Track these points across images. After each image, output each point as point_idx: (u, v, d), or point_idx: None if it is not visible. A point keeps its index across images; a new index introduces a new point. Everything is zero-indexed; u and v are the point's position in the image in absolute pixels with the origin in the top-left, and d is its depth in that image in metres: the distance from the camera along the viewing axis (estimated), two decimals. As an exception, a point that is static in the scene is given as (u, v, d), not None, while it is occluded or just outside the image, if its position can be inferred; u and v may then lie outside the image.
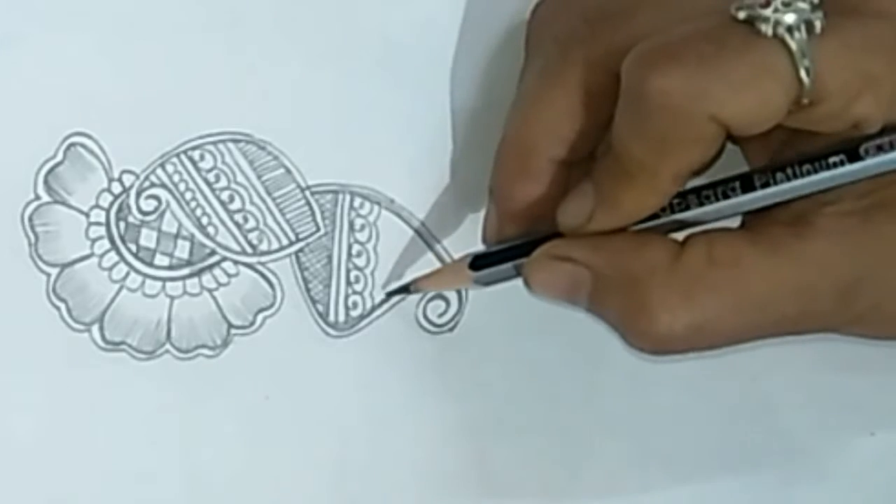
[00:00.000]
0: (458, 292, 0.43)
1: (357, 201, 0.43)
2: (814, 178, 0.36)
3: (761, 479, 0.44)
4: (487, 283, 0.40)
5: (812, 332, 0.38)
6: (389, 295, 0.43)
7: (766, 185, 0.37)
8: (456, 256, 0.42)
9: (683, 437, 0.44)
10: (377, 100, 0.43)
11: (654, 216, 0.37)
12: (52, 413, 0.42)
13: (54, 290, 0.42)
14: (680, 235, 0.37)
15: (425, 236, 0.43)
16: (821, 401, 0.44)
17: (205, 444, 0.42)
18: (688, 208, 0.37)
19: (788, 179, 0.36)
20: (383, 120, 0.43)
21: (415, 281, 0.42)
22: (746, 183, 0.37)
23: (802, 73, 0.34)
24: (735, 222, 0.38)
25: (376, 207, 0.43)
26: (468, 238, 0.43)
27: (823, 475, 0.44)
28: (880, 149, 0.36)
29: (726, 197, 0.37)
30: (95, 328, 0.42)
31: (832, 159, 0.36)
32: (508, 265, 0.39)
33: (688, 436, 0.44)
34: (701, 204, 0.37)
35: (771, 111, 0.34)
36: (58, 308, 0.42)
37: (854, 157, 0.36)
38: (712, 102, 0.34)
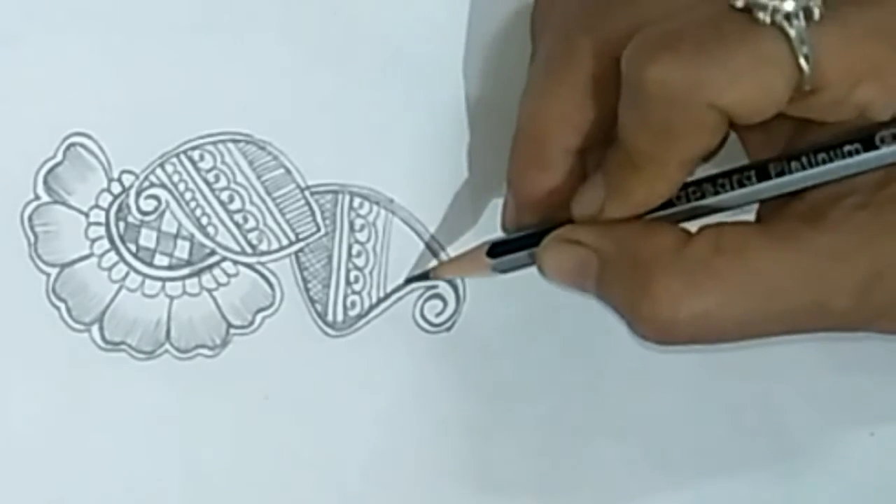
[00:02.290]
0: (456, 292, 0.43)
1: (357, 201, 0.43)
2: (829, 166, 0.36)
3: (761, 478, 0.44)
4: (504, 271, 0.40)
5: (830, 329, 0.37)
6: (409, 282, 0.43)
7: (780, 173, 0.36)
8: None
9: (683, 436, 0.44)
10: (376, 100, 0.43)
11: (669, 204, 0.37)
12: (51, 413, 0.42)
13: (54, 290, 0.42)
14: (693, 227, 0.37)
15: (424, 236, 0.43)
16: (821, 401, 0.44)
17: (204, 444, 0.42)
18: (703, 196, 0.37)
19: (803, 168, 0.36)
20: (382, 120, 0.43)
21: (434, 268, 0.42)
22: (762, 171, 0.37)
23: (802, 61, 0.34)
24: (751, 216, 0.38)
25: (376, 207, 0.43)
26: (468, 237, 0.43)
27: (823, 475, 0.44)
28: None
29: (741, 185, 0.37)
30: (95, 328, 0.42)
31: (847, 148, 0.36)
32: (524, 252, 0.39)
33: (688, 435, 0.44)
34: (716, 192, 0.37)
35: (772, 99, 0.34)
36: (57, 308, 0.42)
37: (870, 145, 0.36)
38: (711, 91, 0.34)
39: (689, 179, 0.37)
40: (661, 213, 0.37)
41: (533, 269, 0.42)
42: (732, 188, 0.37)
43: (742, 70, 0.34)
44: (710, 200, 0.37)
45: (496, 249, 0.40)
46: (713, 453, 0.44)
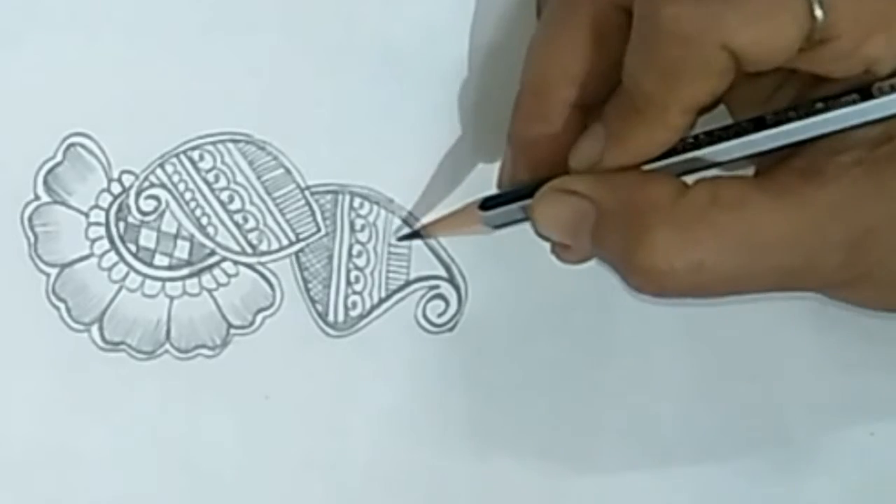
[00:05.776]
0: (458, 292, 0.43)
1: (357, 201, 0.43)
2: (826, 115, 0.36)
3: (761, 477, 0.44)
4: (497, 226, 0.40)
5: (815, 288, 0.37)
6: (400, 240, 0.43)
7: (778, 123, 0.36)
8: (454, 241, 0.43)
9: (684, 436, 0.44)
10: (376, 100, 0.43)
11: (668, 155, 0.37)
12: (52, 413, 0.42)
13: (54, 290, 0.42)
14: (690, 180, 0.37)
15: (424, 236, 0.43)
16: (821, 400, 0.44)
17: (204, 444, 0.42)
18: (699, 147, 0.37)
19: (800, 118, 0.36)
20: (383, 120, 0.43)
21: (427, 225, 0.42)
22: (759, 123, 0.36)
23: (815, 7, 0.34)
24: (749, 174, 0.38)
25: (376, 207, 0.43)
26: (468, 237, 0.43)
27: (823, 475, 0.44)
28: (894, 88, 0.35)
29: (738, 136, 0.36)
30: (95, 328, 0.42)
31: (845, 98, 0.36)
32: (517, 206, 0.39)
33: (688, 434, 0.44)
34: (712, 143, 0.37)
35: (783, 43, 0.34)
36: (57, 308, 0.42)
37: (867, 96, 0.35)
38: (724, 31, 0.34)
39: (687, 134, 0.37)
40: (660, 163, 0.37)
41: (533, 271, 0.42)
42: (730, 139, 0.37)
43: (756, 12, 0.34)
44: (708, 150, 0.37)
45: (488, 202, 0.40)
46: (713, 453, 0.44)
